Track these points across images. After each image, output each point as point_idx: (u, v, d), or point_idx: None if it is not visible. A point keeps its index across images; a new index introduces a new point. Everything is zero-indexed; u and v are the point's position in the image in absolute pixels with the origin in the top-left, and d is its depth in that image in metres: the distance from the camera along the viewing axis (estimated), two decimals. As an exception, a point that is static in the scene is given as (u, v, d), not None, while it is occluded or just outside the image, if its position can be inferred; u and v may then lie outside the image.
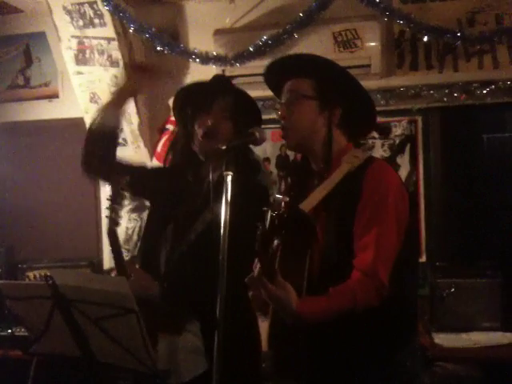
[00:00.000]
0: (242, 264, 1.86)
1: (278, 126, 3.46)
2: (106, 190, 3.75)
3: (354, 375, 1.76)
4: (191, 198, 2.08)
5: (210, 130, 2.01)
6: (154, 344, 1.97)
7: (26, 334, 1.97)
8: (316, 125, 1.85)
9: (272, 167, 3.57)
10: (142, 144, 3.66)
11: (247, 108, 2.05)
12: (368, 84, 3.28)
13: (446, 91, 3.32)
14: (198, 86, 2.12)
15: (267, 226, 1.50)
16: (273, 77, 1.96)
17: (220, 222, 1.65)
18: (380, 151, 3.44)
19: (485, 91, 3.28)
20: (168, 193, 2.16)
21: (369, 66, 3.28)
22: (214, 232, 1.76)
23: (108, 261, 3.73)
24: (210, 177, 2.02)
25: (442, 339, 2.89)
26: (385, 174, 1.81)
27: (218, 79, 2.13)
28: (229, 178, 1.67)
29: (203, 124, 2.03)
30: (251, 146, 1.97)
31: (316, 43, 3.24)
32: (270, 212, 1.51)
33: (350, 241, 1.72)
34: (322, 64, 1.88)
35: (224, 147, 1.72)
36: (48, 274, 1.73)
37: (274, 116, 3.46)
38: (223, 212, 1.64)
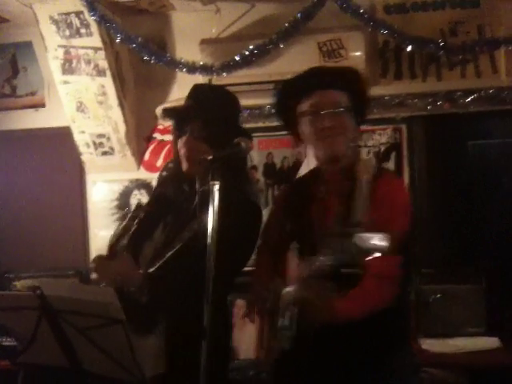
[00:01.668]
0: (224, 273, 1.89)
1: (265, 134, 3.56)
2: (92, 200, 3.78)
3: (355, 377, 1.84)
4: (184, 205, 2.11)
5: (185, 154, 2.08)
6: None
7: (14, 343, 1.97)
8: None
9: (259, 175, 3.60)
10: (129, 153, 3.67)
11: (221, 125, 2.06)
12: (353, 93, 3.37)
13: (430, 100, 3.36)
14: (175, 111, 2.19)
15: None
16: (302, 86, 1.96)
17: (205, 233, 1.68)
18: (365, 159, 3.49)
19: (468, 100, 3.32)
20: (163, 198, 2.19)
21: (354, 75, 3.32)
22: (198, 242, 1.80)
23: (95, 270, 3.73)
24: (197, 187, 2.05)
25: (429, 345, 2.92)
26: (398, 184, 1.96)
27: (191, 103, 2.15)
28: (216, 188, 1.69)
29: (181, 147, 2.10)
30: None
31: (301, 53, 3.28)
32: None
33: None
34: (355, 76, 1.97)
35: (210, 157, 1.74)
36: (36, 284, 1.73)
37: (261, 125, 3.56)
38: (210, 222, 1.66)
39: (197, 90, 2.18)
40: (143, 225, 2.16)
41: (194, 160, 2.03)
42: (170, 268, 1.98)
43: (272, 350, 2.06)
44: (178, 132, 2.13)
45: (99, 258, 2.08)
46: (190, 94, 2.16)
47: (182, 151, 2.09)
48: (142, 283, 1.95)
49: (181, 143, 2.09)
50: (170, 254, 2.00)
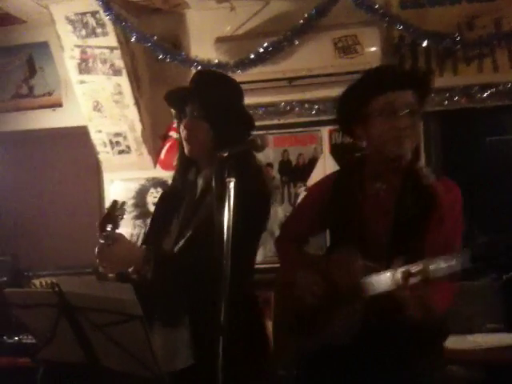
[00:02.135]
0: (243, 264, 1.88)
1: (280, 131, 3.56)
2: (109, 199, 3.80)
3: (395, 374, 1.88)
4: (190, 195, 2.12)
5: (186, 136, 2.07)
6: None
7: (34, 341, 1.99)
8: None
9: (275, 172, 3.60)
10: (145, 151, 3.70)
11: (220, 104, 2.04)
12: (368, 89, 3.36)
13: (447, 95, 3.34)
14: (175, 94, 2.17)
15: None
16: (380, 85, 1.95)
17: (213, 225, 1.72)
18: (382, 155, 3.46)
19: (485, 94, 3.30)
20: (174, 192, 2.20)
21: (369, 71, 3.31)
22: (205, 233, 1.82)
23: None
24: (211, 182, 2.05)
25: (447, 341, 2.89)
26: (457, 189, 2.02)
27: (191, 85, 2.14)
28: (231, 185, 1.69)
29: (182, 130, 2.09)
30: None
31: (316, 50, 3.28)
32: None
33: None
34: (427, 78, 2.00)
35: (226, 154, 1.75)
36: (54, 281, 1.75)
37: (276, 122, 3.56)
38: (226, 219, 1.66)
39: (196, 74, 2.19)
40: (158, 222, 2.17)
41: (195, 141, 2.03)
42: (180, 253, 1.99)
43: (289, 349, 2.05)
44: (179, 116, 2.13)
45: (100, 244, 2.06)
46: (191, 79, 2.17)
47: (184, 134, 2.08)
48: (145, 257, 1.92)
49: (182, 127, 2.09)
50: (181, 243, 2.01)
